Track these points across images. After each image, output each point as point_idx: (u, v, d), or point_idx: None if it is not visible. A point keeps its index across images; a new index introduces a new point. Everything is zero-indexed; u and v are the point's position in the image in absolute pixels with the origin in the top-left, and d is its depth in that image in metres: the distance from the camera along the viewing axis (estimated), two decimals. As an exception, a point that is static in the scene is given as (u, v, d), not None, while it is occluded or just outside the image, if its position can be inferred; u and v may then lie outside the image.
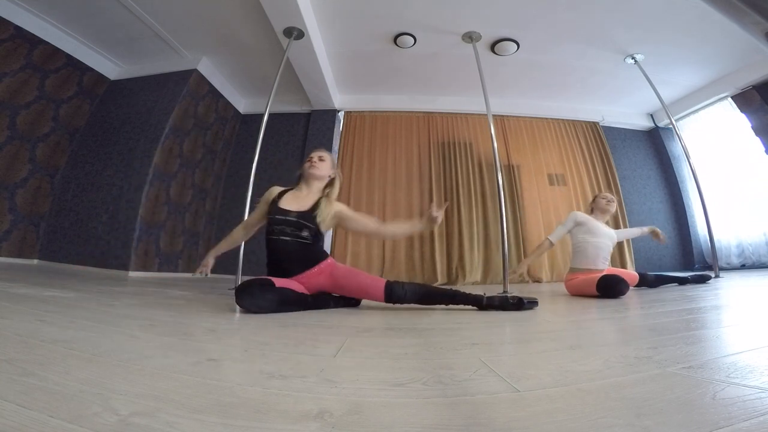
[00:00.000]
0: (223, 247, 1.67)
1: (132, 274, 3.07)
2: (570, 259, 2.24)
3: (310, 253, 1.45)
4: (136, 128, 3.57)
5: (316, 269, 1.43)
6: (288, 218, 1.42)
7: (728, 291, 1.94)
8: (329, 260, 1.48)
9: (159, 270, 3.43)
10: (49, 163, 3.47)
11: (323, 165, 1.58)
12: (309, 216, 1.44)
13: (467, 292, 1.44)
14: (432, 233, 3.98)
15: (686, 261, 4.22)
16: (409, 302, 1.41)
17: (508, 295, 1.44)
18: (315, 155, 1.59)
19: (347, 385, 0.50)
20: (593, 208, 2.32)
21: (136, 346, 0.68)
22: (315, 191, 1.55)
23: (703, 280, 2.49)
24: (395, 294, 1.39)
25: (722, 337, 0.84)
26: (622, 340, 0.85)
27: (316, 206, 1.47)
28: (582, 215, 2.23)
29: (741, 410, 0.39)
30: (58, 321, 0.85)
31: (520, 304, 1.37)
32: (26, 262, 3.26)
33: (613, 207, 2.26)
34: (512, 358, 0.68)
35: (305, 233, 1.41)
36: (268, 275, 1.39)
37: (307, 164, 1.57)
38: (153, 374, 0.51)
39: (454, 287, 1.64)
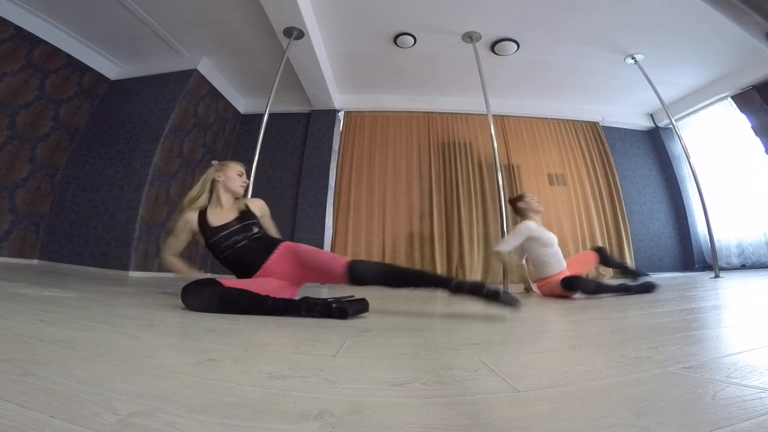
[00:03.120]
0: (183, 270, 1.64)
1: (132, 274, 3.06)
2: (535, 269, 2.26)
3: (266, 243, 1.48)
4: (136, 128, 3.56)
5: (276, 253, 1.43)
6: (232, 228, 1.47)
7: (728, 291, 1.94)
8: (286, 243, 1.49)
9: (159, 270, 3.43)
10: (49, 163, 3.46)
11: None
12: (248, 215, 1.54)
13: (439, 274, 1.37)
14: (432, 233, 3.98)
15: (686, 261, 4.23)
16: (373, 283, 1.29)
17: (486, 284, 1.26)
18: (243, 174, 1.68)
19: (347, 385, 0.50)
20: (524, 209, 2.34)
21: (136, 346, 0.68)
22: (231, 202, 1.62)
23: (648, 289, 1.98)
24: (357, 273, 1.29)
25: (722, 337, 0.84)
26: (622, 340, 0.85)
27: (247, 208, 1.58)
28: (535, 227, 2.23)
29: (741, 410, 0.39)
30: (58, 321, 0.85)
31: (494, 295, 1.17)
32: (26, 262, 3.25)
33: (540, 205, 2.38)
34: (512, 358, 0.68)
35: (255, 228, 1.50)
36: (239, 277, 1.42)
37: (241, 184, 1.66)
38: (153, 374, 0.51)
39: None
